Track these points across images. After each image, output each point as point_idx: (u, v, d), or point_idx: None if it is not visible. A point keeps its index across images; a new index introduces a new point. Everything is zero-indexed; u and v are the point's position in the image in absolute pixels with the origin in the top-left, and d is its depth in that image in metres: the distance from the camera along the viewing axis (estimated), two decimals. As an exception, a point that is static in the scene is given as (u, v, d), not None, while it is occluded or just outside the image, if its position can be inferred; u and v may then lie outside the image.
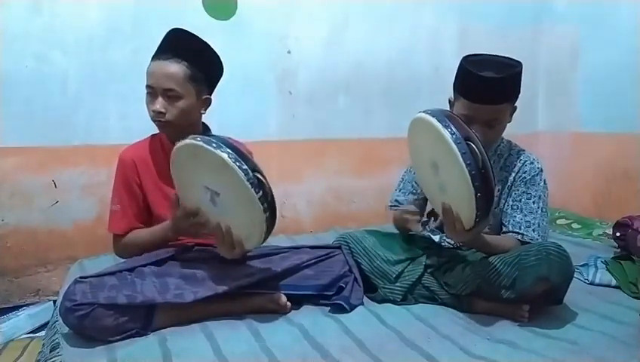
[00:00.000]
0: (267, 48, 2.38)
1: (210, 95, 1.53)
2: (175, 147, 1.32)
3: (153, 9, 2.14)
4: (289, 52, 2.43)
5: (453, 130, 1.22)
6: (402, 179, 1.77)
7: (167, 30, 1.48)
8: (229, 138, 1.37)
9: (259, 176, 1.25)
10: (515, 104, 1.51)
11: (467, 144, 1.21)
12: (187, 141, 1.28)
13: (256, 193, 1.23)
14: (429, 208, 1.66)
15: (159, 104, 1.42)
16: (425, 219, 1.61)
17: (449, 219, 1.35)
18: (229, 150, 1.23)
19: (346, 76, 2.55)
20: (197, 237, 1.47)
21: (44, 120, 2.05)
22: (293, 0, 2.40)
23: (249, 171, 1.23)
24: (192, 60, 1.44)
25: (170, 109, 1.43)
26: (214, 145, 1.24)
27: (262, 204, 1.24)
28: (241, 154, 1.25)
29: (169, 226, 1.44)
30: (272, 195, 1.28)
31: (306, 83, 2.48)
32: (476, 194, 1.21)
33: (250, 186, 1.22)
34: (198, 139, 1.26)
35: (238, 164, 1.22)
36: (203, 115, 1.54)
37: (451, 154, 1.21)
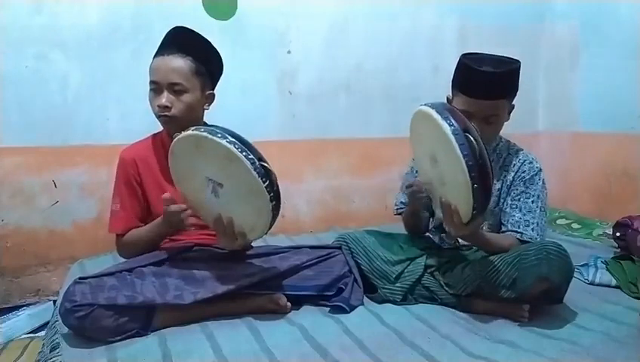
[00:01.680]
0: (267, 48, 2.38)
1: (213, 90, 1.54)
2: (176, 138, 1.30)
3: (153, 9, 2.14)
4: (289, 52, 2.43)
5: (452, 121, 1.23)
6: (405, 180, 1.76)
7: (167, 30, 1.48)
8: None
9: (265, 165, 1.24)
10: (514, 102, 1.52)
11: (465, 136, 1.22)
12: (190, 132, 1.26)
13: (264, 182, 1.22)
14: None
15: (165, 98, 1.41)
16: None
17: (447, 212, 1.35)
18: (234, 140, 1.22)
19: (346, 76, 2.55)
20: (187, 228, 1.45)
21: (44, 120, 2.05)
22: (293, 0, 2.40)
23: (255, 161, 1.22)
24: (195, 55, 1.45)
25: (176, 104, 1.43)
26: (219, 135, 1.22)
27: (269, 194, 1.24)
28: (246, 143, 1.24)
29: (161, 220, 1.44)
30: (278, 184, 1.28)
31: (306, 83, 2.48)
32: (473, 186, 1.22)
33: (257, 176, 1.21)
34: (202, 129, 1.25)
35: (244, 153, 1.21)
36: (206, 112, 1.54)
37: (449, 145, 1.21)
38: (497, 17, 2.77)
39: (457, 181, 1.25)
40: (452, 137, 1.21)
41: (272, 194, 1.24)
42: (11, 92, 1.99)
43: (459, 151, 1.20)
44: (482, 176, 1.23)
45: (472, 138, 1.22)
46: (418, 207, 1.57)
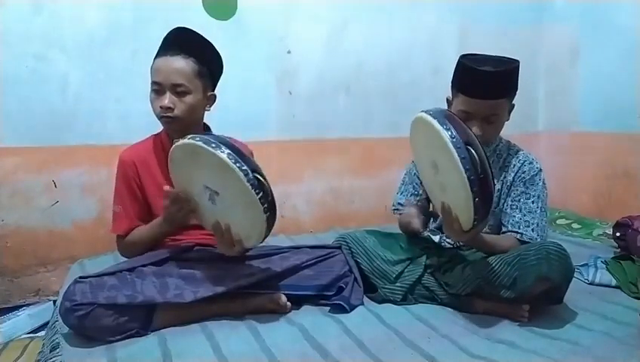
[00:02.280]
0: (267, 48, 2.38)
1: (214, 91, 1.53)
2: (173, 146, 1.31)
3: (153, 9, 2.14)
4: (289, 52, 2.43)
5: (454, 133, 1.21)
6: (403, 181, 1.77)
7: (167, 30, 1.48)
8: (230, 138, 1.37)
9: (259, 176, 1.24)
10: (514, 102, 1.52)
11: (467, 149, 1.20)
12: (186, 141, 1.27)
13: (257, 194, 1.23)
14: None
15: (168, 99, 1.41)
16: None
17: (448, 218, 1.35)
18: (228, 150, 1.23)
19: (346, 76, 2.55)
20: (188, 224, 1.46)
21: (44, 120, 2.05)
22: (293, 0, 2.40)
23: (249, 172, 1.22)
24: (198, 56, 1.45)
25: (178, 105, 1.42)
26: (213, 145, 1.23)
27: (262, 205, 1.24)
28: (240, 154, 1.24)
29: (162, 218, 1.44)
30: (272, 195, 1.28)
31: (306, 83, 2.48)
32: (474, 199, 1.21)
33: (250, 187, 1.22)
34: (197, 138, 1.25)
35: (238, 165, 1.21)
36: (207, 113, 1.54)
37: (450, 158, 1.20)
38: (497, 17, 2.77)
39: (458, 192, 1.24)
40: (454, 150, 1.20)
41: (265, 205, 1.25)
42: (11, 92, 1.99)
43: (460, 166, 1.19)
44: (483, 188, 1.22)
45: (473, 151, 1.21)
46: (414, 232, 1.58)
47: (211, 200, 1.33)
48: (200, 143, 1.23)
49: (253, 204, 1.24)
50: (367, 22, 2.55)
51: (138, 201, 1.52)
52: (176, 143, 1.30)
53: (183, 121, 1.43)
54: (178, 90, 1.42)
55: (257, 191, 1.23)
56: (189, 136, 1.27)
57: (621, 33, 2.49)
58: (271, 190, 1.28)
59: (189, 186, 1.36)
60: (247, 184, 1.21)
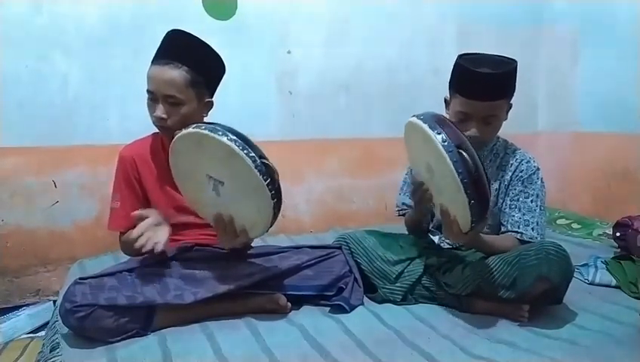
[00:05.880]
0: (267, 48, 2.38)
1: (212, 97, 1.50)
2: (177, 135, 1.28)
3: (153, 9, 2.14)
4: (289, 52, 2.43)
5: (445, 137, 1.21)
6: (404, 181, 1.76)
7: (167, 30, 1.46)
8: None
9: (266, 162, 1.24)
10: (511, 101, 1.52)
11: (459, 152, 1.20)
12: (190, 130, 1.25)
13: (265, 180, 1.22)
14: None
15: (160, 110, 1.39)
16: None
17: (447, 220, 1.35)
18: (235, 137, 1.21)
19: (346, 76, 2.55)
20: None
21: (44, 120, 2.05)
22: (293, 0, 2.40)
23: (256, 158, 1.21)
24: (191, 64, 1.40)
25: (172, 115, 1.40)
26: (220, 132, 1.21)
27: (270, 191, 1.23)
28: (247, 141, 1.23)
29: None
30: (279, 182, 1.27)
31: (306, 83, 2.48)
32: (470, 202, 1.22)
33: (258, 173, 1.21)
34: (203, 127, 1.24)
35: (245, 151, 1.20)
36: (205, 118, 1.53)
37: (443, 162, 1.21)
38: (497, 17, 2.77)
39: (454, 195, 1.24)
40: (446, 155, 1.20)
41: (273, 191, 1.24)
42: (11, 92, 1.99)
43: (453, 170, 1.19)
44: (478, 191, 1.22)
45: (465, 154, 1.21)
46: (425, 211, 1.56)
47: (215, 190, 1.31)
48: (206, 131, 1.22)
49: (261, 191, 1.23)
50: (367, 22, 2.55)
51: (137, 199, 1.51)
52: (180, 133, 1.27)
53: (178, 129, 1.41)
54: (170, 102, 1.39)
55: (265, 177, 1.22)
56: (193, 126, 1.26)
57: (621, 33, 2.48)
58: (278, 176, 1.27)
59: (191, 177, 1.35)
60: (255, 171, 1.20)
